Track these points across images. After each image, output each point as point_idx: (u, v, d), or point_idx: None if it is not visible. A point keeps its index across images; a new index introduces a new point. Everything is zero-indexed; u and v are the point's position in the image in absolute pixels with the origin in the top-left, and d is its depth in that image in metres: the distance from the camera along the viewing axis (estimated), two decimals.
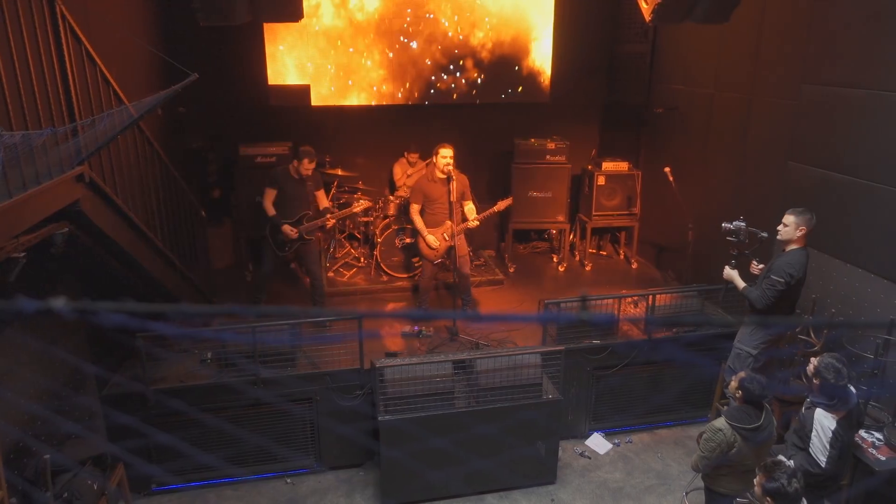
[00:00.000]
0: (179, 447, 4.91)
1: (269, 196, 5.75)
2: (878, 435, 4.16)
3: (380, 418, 4.63)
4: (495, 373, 4.83)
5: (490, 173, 8.09)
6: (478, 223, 5.82)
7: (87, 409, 4.54)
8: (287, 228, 5.70)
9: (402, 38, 7.56)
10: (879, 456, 3.99)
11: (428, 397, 4.72)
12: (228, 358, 5.00)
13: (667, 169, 6.32)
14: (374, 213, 7.10)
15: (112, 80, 3.73)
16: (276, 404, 4.98)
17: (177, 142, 6.90)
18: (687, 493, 4.92)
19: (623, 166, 7.28)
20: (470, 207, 5.83)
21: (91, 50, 3.44)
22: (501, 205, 5.81)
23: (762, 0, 5.47)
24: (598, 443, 5.64)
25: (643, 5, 4.81)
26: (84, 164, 3.26)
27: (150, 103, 3.13)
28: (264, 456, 5.12)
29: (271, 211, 5.73)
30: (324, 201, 5.97)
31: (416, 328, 5.86)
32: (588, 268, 7.57)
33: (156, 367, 5.00)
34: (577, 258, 7.79)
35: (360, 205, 6.07)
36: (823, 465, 3.54)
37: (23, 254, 2.85)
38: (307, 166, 5.70)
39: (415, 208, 5.83)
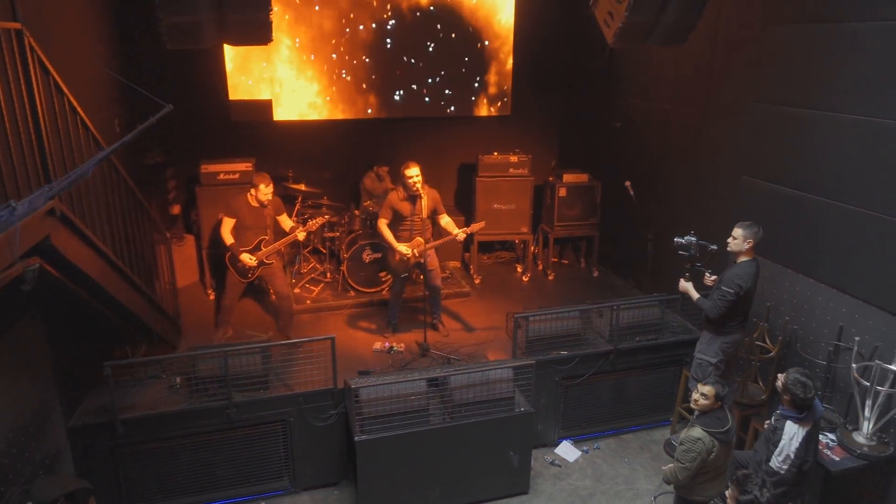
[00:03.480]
0: (151, 475, 4.84)
1: (227, 225, 5.70)
2: (831, 436, 4.41)
3: (356, 438, 4.65)
4: (469, 388, 4.91)
5: (453, 185, 8.20)
6: (465, 236, 5.88)
7: (54, 442, 4.41)
8: (245, 257, 5.67)
9: (364, 53, 7.58)
10: (834, 456, 4.24)
11: (403, 415, 4.77)
12: (199, 383, 4.93)
13: (627, 183, 6.54)
14: (340, 229, 7.09)
15: (79, 109, 3.65)
16: (249, 427, 4.95)
17: (135, 158, 6.75)
18: (655, 498, 5.11)
19: (583, 178, 7.49)
20: (447, 220, 5.89)
21: (59, 80, 3.36)
22: (474, 227, 5.89)
23: (715, 21, 5.70)
24: (567, 450, 5.78)
25: (605, 29, 4.98)
26: (55, 197, 3.19)
27: (122, 140, 3.09)
28: (238, 480, 5.07)
29: (229, 240, 5.69)
30: (287, 223, 5.94)
31: (387, 344, 5.90)
32: (551, 277, 7.75)
33: (123, 395, 4.89)
34: (540, 267, 7.96)
35: (316, 222, 6.04)
36: (783, 472, 3.75)
37: None
38: (264, 191, 5.67)
39: (383, 222, 5.87)
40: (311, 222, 5.99)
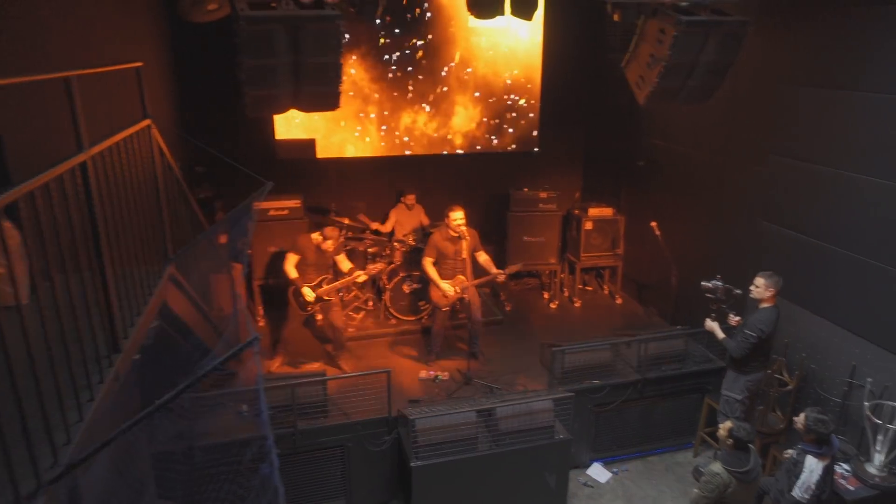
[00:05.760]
0: (225, 498, 5.31)
1: (291, 261, 6.20)
2: (846, 466, 4.87)
3: (412, 464, 5.12)
4: (513, 418, 5.38)
5: (482, 216, 8.64)
6: (504, 277, 6.35)
7: (143, 468, 4.89)
8: (306, 291, 6.17)
9: (398, 93, 8.07)
10: (849, 486, 4.70)
11: (454, 443, 5.24)
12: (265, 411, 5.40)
13: (653, 223, 6.99)
14: (382, 260, 7.56)
15: (183, 183, 4.15)
16: (310, 452, 5.43)
17: (191, 194, 7.26)
18: None
19: (608, 212, 7.96)
20: (485, 258, 6.41)
21: (171, 161, 3.86)
22: (512, 269, 6.37)
23: (734, 77, 6.13)
24: (598, 472, 6.24)
25: (637, 90, 5.45)
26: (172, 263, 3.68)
27: (242, 215, 3.56)
28: (300, 500, 5.53)
29: (293, 275, 6.18)
30: (345, 264, 6.44)
31: (432, 373, 6.38)
32: (577, 304, 8.21)
33: (196, 423, 5.37)
34: (566, 294, 8.42)
35: (377, 267, 6.57)
36: (805, 501, 4.21)
37: (138, 356, 3.27)
38: (328, 245, 6.20)
39: (428, 260, 6.36)
40: (370, 266, 6.48)
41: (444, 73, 8.14)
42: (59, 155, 2.25)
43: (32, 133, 2.79)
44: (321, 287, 6.24)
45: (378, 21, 7.32)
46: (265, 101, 4.64)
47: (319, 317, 6.59)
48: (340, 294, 7.69)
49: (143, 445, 4.98)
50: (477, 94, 8.32)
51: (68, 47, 3.40)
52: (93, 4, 3.98)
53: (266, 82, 4.49)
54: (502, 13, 5.53)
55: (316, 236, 6.22)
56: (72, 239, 2.25)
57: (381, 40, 7.82)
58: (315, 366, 6.54)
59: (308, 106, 4.88)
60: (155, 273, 3.44)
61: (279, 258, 6.76)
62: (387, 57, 7.90)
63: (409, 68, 8.01)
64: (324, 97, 4.76)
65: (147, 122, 3.40)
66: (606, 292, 8.57)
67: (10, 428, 1.77)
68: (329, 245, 6.18)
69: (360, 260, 7.76)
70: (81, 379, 2.32)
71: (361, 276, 6.30)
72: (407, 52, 7.94)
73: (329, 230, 6.22)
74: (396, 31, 7.83)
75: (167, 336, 3.93)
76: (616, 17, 4.98)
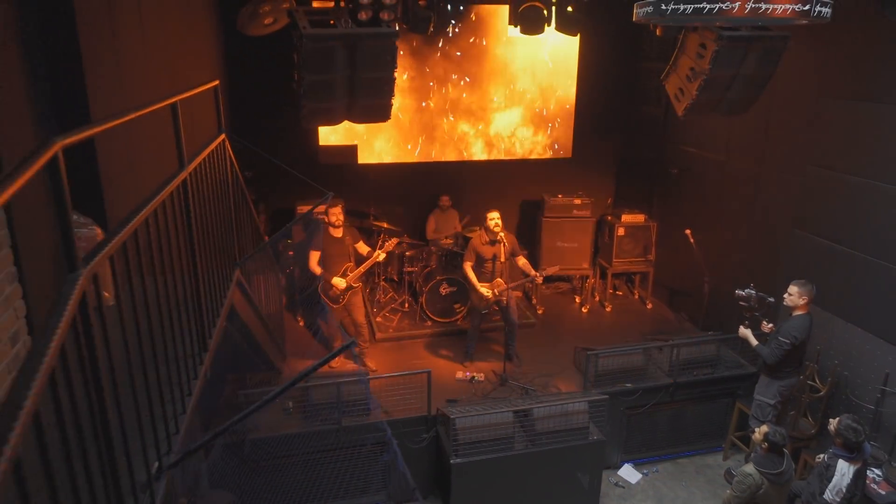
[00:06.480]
0: (267, 487, 5.57)
1: (314, 258, 6.37)
2: (877, 471, 4.98)
3: (452, 461, 5.33)
4: (549, 419, 5.57)
5: (515, 221, 8.84)
6: (542, 279, 6.53)
7: (198, 459, 5.16)
8: (336, 280, 6.36)
9: (435, 100, 8.29)
10: (880, 490, 4.81)
11: (492, 442, 5.45)
12: (311, 408, 5.66)
13: (687, 231, 7.13)
14: (418, 263, 7.79)
15: (246, 190, 4.41)
16: (353, 448, 5.66)
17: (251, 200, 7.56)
18: None
19: (640, 218, 8.10)
20: (524, 262, 6.60)
21: (238, 170, 4.12)
22: (550, 270, 6.55)
23: (770, 89, 6.24)
24: (629, 473, 6.40)
25: (676, 102, 5.61)
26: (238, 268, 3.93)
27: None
28: (342, 493, 5.77)
29: (318, 270, 6.36)
30: (363, 248, 6.62)
31: (468, 374, 6.58)
32: (608, 309, 8.37)
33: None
34: (597, 299, 8.58)
35: (392, 243, 6.66)
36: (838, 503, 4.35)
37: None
38: (338, 213, 6.34)
39: (468, 265, 6.56)
40: (387, 244, 6.61)
41: (481, 81, 8.33)
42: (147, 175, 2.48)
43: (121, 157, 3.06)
44: (346, 275, 6.43)
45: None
46: (321, 113, 4.89)
47: (350, 318, 6.81)
48: (376, 297, 7.95)
49: (197, 433, 5.27)
50: (513, 101, 8.51)
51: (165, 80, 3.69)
52: (177, 38, 4.27)
53: (324, 96, 4.74)
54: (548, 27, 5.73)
55: (326, 220, 6.34)
56: (178, 247, 2.49)
57: (432, 47, 8.05)
58: (349, 365, 6.76)
59: (361, 118, 5.12)
60: (227, 277, 3.69)
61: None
62: (425, 65, 8.12)
63: (447, 75, 8.22)
64: (376, 109, 5.00)
65: (222, 136, 3.65)
66: (637, 297, 8.71)
67: (129, 418, 1.99)
68: (335, 215, 6.28)
69: (397, 264, 8.01)
70: (183, 374, 2.56)
71: (381, 256, 6.44)
72: (445, 60, 8.15)
73: (328, 204, 6.31)
74: (434, 38, 8.05)
75: (227, 334, 4.18)
76: (658, 32, 5.14)
